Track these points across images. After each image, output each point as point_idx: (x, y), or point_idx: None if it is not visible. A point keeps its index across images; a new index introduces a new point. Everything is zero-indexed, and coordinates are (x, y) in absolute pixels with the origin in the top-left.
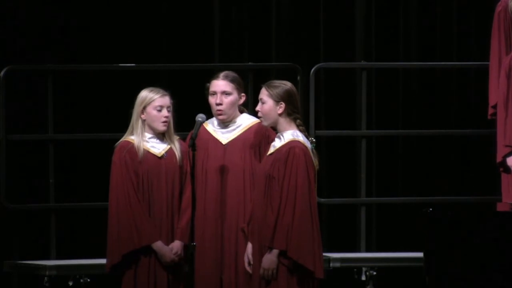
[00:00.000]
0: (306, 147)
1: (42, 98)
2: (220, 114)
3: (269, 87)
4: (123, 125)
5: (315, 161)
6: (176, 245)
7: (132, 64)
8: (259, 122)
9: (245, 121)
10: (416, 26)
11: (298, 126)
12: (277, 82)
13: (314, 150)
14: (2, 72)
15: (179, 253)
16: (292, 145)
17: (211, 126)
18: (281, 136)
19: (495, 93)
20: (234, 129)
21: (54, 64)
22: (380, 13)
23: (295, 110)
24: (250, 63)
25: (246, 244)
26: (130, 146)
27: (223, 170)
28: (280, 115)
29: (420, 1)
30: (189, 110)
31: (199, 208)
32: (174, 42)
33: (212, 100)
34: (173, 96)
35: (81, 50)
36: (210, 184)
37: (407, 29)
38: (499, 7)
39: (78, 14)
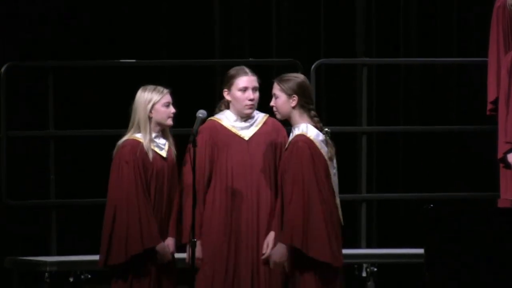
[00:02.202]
0: (311, 140)
1: (43, 95)
2: (251, 108)
3: (280, 82)
4: (123, 121)
5: (330, 151)
6: (171, 242)
7: (132, 60)
8: (269, 116)
9: (257, 116)
10: (416, 22)
11: (312, 118)
12: (289, 76)
13: (329, 140)
14: (3, 69)
15: (172, 250)
16: (296, 139)
17: (228, 122)
18: (293, 131)
19: (494, 89)
20: (251, 125)
21: (55, 60)
22: (380, 9)
23: (309, 101)
24: (250, 59)
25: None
26: (141, 147)
27: (248, 166)
28: (293, 108)
29: (422, 1)
30: (190, 106)
31: (224, 205)
32: (174, 38)
33: (242, 95)
34: (173, 92)
35: (81, 46)
36: (237, 180)
37: (407, 25)
38: (497, 3)
39: (79, 10)
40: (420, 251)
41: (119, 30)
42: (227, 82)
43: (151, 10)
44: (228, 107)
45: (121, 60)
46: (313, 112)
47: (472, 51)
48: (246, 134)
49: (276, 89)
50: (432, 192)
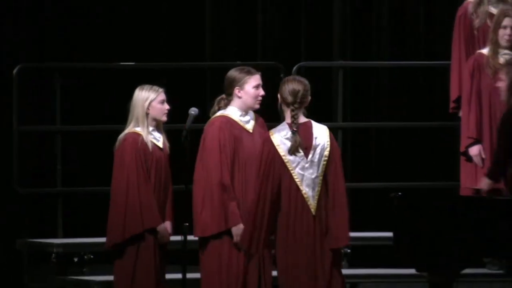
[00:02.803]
0: (271, 140)
1: (50, 93)
2: (260, 104)
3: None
4: (122, 117)
5: (293, 144)
6: (169, 225)
7: (131, 63)
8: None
9: (250, 111)
10: (388, 29)
11: (291, 116)
12: (283, 80)
13: (292, 136)
14: (15, 71)
15: (170, 232)
16: (265, 137)
17: (236, 117)
18: None
19: (456, 90)
20: (251, 119)
21: (60, 62)
22: (355, 17)
23: (289, 101)
24: (238, 62)
25: None
26: (141, 139)
27: (254, 156)
28: (281, 105)
29: (391, 7)
30: (182, 104)
31: (239, 194)
32: (169, 43)
33: (256, 91)
34: (167, 92)
35: (85, 50)
36: (249, 170)
37: (380, 31)
38: (460, 12)
39: (84, 17)
40: (390, 234)
41: (120, 36)
42: (239, 80)
43: (147, 18)
44: (227, 105)
45: (121, 63)
46: (294, 112)
47: (437, 55)
48: (250, 127)
49: None
50: (400, 182)
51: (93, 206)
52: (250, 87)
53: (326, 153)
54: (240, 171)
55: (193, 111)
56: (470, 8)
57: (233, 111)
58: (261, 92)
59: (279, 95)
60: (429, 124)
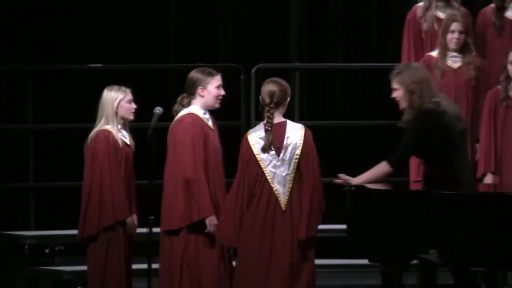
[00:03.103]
0: (248, 139)
1: (23, 94)
2: (220, 103)
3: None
4: (92, 116)
5: (267, 142)
6: (135, 218)
7: (99, 65)
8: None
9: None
10: (342, 33)
11: (267, 116)
12: (265, 81)
13: (265, 135)
14: None
15: (136, 224)
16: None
17: (201, 114)
18: None
19: None
20: (209, 117)
21: (33, 64)
22: (311, 21)
23: (265, 102)
24: (200, 64)
25: None
26: (112, 136)
27: (218, 151)
28: (262, 107)
29: (345, 13)
30: (147, 104)
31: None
32: (135, 46)
33: (217, 91)
34: (133, 92)
35: (56, 52)
36: (216, 164)
37: (335, 35)
38: (409, 15)
39: (56, 20)
40: (343, 226)
41: (87, 39)
42: (202, 81)
43: (116, 23)
44: (189, 103)
45: (89, 65)
46: (269, 113)
47: (388, 57)
48: (211, 124)
49: None
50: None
51: (63, 200)
52: (213, 87)
53: (298, 151)
54: (210, 165)
55: (158, 110)
56: (419, 12)
57: (197, 109)
58: (222, 92)
59: (260, 97)
60: (380, 122)
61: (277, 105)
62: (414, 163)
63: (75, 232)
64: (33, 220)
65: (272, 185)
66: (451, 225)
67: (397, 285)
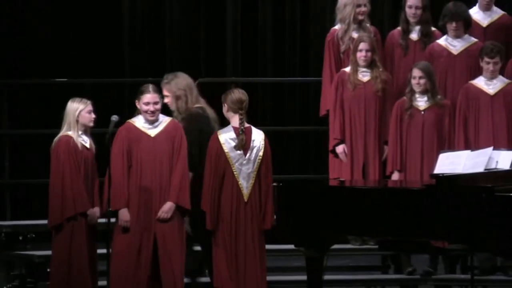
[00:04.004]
0: (217, 138)
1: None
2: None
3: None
4: (57, 123)
5: (241, 142)
6: (98, 210)
7: (64, 79)
8: (172, 119)
9: (162, 119)
10: (270, 51)
11: (239, 120)
12: (229, 90)
13: (240, 137)
14: None
15: (98, 215)
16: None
17: (139, 123)
18: None
19: (326, 101)
20: (157, 126)
21: (8, 79)
22: (245, 41)
23: (236, 107)
24: (149, 78)
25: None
26: (72, 140)
27: (154, 157)
28: (227, 111)
29: (274, 35)
30: (107, 112)
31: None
32: (95, 62)
33: (145, 107)
34: (94, 103)
35: (29, 67)
36: (145, 167)
37: (264, 53)
38: (328, 37)
39: (27, 38)
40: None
41: (56, 55)
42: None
43: (79, 42)
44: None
45: (56, 79)
46: (241, 116)
47: (310, 72)
48: (152, 132)
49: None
50: (281, 175)
51: (34, 195)
52: (142, 103)
53: (261, 153)
54: (136, 166)
55: (114, 117)
56: (339, 34)
57: (139, 118)
58: (151, 108)
59: (223, 103)
60: (304, 128)
61: (245, 112)
62: (332, 162)
63: (44, 222)
64: (9, 211)
65: (238, 180)
66: (363, 215)
67: (319, 266)
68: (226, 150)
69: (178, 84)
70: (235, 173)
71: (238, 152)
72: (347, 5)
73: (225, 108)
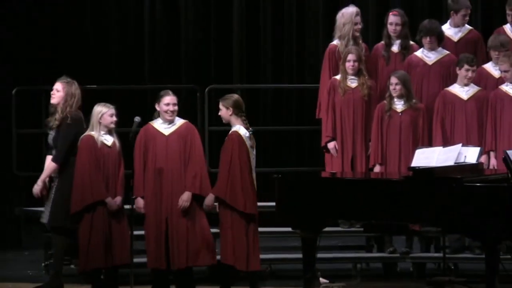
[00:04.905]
0: (240, 135)
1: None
2: (171, 116)
3: (222, 100)
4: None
5: (252, 143)
6: (119, 199)
7: (94, 86)
8: (187, 121)
9: (177, 121)
10: (271, 61)
11: (243, 121)
12: (228, 95)
13: (252, 135)
14: None
15: (118, 203)
16: (231, 134)
17: (157, 124)
18: (232, 129)
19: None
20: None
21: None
22: (249, 51)
23: (240, 111)
24: (168, 85)
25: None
26: (93, 139)
27: (166, 153)
28: (230, 115)
29: (273, 47)
30: (131, 114)
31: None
32: (120, 70)
33: (166, 107)
34: (120, 105)
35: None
36: (159, 163)
37: (266, 62)
38: (328, 49)
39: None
40: (273, 203)
41: (85, 64)
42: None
43: (106, 51)
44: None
45: (87, 86)
46: (244, 118)
47: (305, 80)
48: (166, 131)
49: (220, 105)
50: (280, 167)
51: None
52: (163, 104)
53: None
54: (152, 162)
55: (137, 119)
56: (339, 47)
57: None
58: (170, 108)
59: (228, 107)
60: (300, 128)
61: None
62: (327, 157)
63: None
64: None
65: (253, 172)
66: (350, 201)
67: (313, 246)
68: (248, 145)
69: (67, 89)
70: (252, 167)
71: (253, 148)
72: (346, 24)
73: (229, 111)
